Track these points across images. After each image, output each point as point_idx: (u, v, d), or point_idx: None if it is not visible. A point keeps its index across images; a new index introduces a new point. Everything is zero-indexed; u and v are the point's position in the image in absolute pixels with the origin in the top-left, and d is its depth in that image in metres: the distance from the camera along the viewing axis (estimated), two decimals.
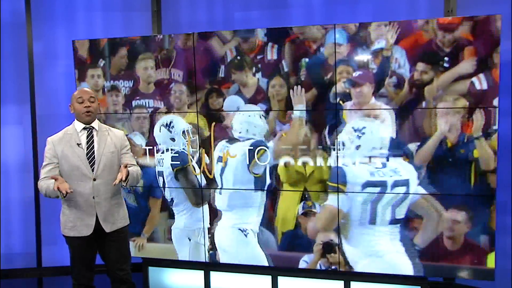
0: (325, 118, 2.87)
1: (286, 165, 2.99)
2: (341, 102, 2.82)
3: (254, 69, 2.94)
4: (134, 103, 3.24)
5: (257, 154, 3.03)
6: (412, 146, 2.75)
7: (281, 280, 3.26)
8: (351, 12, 3.51)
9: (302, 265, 3.10)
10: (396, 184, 2.80)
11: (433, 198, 2.77)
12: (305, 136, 2.91)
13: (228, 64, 3.01)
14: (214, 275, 3.39)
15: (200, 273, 3.41)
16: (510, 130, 3.15)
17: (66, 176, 2.58)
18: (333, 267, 3.08)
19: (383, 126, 2.77)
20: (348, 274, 3.11)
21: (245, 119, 3.05)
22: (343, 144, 2.86)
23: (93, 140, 2.65)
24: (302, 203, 3.03)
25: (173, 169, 3.23)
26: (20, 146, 3.96)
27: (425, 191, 2.77)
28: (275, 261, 3.16)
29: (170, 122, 3.18)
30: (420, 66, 2.65)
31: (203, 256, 3.32)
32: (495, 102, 2.60)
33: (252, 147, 3.03)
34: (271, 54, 2.90)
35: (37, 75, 3.86)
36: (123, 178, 2.52)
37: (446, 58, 2.61)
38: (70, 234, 2.64)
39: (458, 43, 2.60)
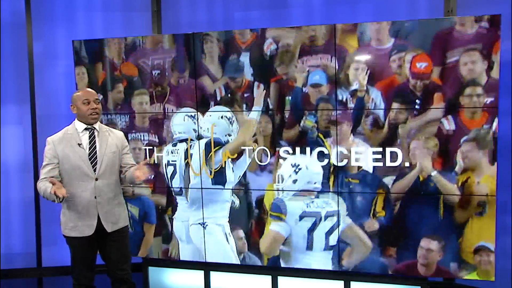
0: (310, 150, 3.03)
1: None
2: (321, 136, 2.98)
3: (244, 106, 3.11)
4: (130, 136, 3.35)
5: (210, 154, 3.21)
6: (388, 179, 2.92)
7: (281, 280, 3.26)
8: (351, 12, 3.52)
9: None
10: (327, 215, 3.04)
11: (358, 228, 3.01)
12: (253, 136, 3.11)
13: (220, 100, 3.15)
14: (214, 275, 3.39)
15: (200, 273, 3.41)
16: (510, 130, 3.15)
17: (68, 176, 2.58)
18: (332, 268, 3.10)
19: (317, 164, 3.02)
20: (348, 274, 3.12)
21: (208, 119, 3.18)
22: (283, 178, 3.10)
23: (95, 141, 2.65)
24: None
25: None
26: (20, 146, 3.96)
27: (350, 221, 3.02)
28: None
29: (195, 115, 3.22)
30: (395, 106, 2.84)
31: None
32: (462, 141, 2.77)
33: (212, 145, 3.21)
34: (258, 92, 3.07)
35: (37, 75, 3.86)
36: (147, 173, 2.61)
37: (417, 101, 2.79)
38: (71, 235, 2.64)
39: (428, 87, 2.77)
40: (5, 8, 3.85)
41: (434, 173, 2.82)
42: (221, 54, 3.09)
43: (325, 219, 3.04)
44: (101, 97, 3.33)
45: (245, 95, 3.08)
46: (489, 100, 2.68)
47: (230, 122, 3.14)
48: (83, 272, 2.71)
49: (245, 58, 3.05)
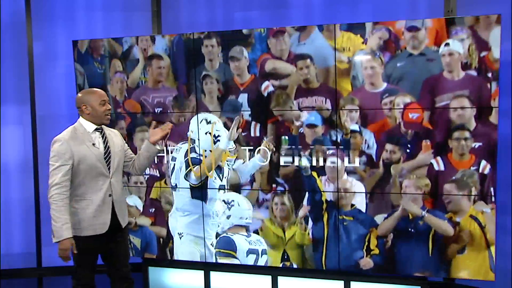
0: (304, 188, 3.14)
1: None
2: (315, 174, 3.08)
3: (245, 143, 3.22)
4: None
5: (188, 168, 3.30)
6: (379, 218, 3.02)
7: (281, 280, 3.27)
8: (351, 12, 3.51)
9: None
10: (263, 252, 3.27)
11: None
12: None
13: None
14: (214, 275, 3.39)
15: (200, 273, 3.42)
16: (510, 130, 3.15)
17: (82, 175, 2.57)
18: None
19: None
20: (348, 274, 3.12)
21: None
22: (217, 214, 3.29)
23: (107, 140, 2.67)
24: (282, 264, 3.26)
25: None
26: (20, 146, 3.96)
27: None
28: None
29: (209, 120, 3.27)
30: (389, 146, 2.94)
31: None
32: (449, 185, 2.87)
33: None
34: (254, 131, 3.17)
35: (37, 75, 3.86)
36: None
37: (409, 145, 2.92)
38: (84, 234, 2.60)
39: (418, 133, 2.88)
40: (5, 8, 3.85)
41: (424, 213, 2.92)
42: (220, 95, 3.18)
43: (261, 255, 3.26)
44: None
45: (243, 133, 3.19)
46: (477, 144, 2.77)
47: (214, 142, 3.23)
48: (87, 272, 2.70)
49: (243, 99, 3.14)
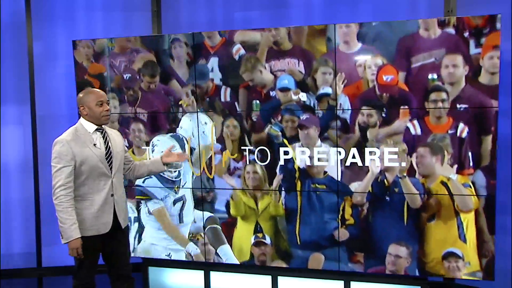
0: (277, 157, 3.06)
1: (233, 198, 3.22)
2: (286, 142, 3.01)
3: (218, 109, 3.15)
4: None
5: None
6: (355, 185, 2.94)
7: (281, 280, 3.27)
8: (351, 12, 3.51)
9: None
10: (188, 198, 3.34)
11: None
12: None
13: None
14: (214, 275, 3.39)
15: (200, 273, 3.42)
16: (510, 130, 3.15)
17: (84, 176, 2.57)
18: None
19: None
20: (348, 274, 3.12)
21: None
22: None
23: (108, 140, 2.67)
24: (254, 235, 3.21)
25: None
26: (20, 146, 3.96)
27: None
28: None
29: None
30: (363, 110, 2.85)
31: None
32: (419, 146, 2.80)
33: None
34: (225, 96, 3.07)
35: (37, 75, 3.86)
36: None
37: (384, 109, 2.82)
38: (87, 234, 2.60)
39: (394, 96, 2.79)
40: (5, 8, 3.85)
41: (401, 177, 2.84)
42: (190, 59, 3.10)
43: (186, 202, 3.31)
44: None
45: (217, 98, 3.10)
46: (463, 106, 2.69)
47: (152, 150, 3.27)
48: (89, 272, 2.69)
49: (213, 63, 3.06)
